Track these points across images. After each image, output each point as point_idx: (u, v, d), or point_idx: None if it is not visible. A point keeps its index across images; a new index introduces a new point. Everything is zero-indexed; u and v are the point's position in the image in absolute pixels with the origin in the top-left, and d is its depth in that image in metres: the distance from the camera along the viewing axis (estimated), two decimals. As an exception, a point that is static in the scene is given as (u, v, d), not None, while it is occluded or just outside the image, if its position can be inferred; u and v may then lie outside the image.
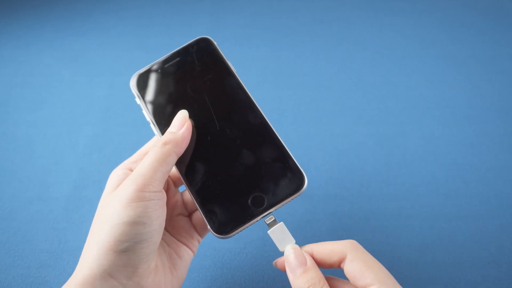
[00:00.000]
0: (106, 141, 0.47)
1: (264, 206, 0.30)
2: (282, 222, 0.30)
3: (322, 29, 0.59)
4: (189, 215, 0.35)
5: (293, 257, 0.28)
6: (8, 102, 0.51)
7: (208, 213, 0.30)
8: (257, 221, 0.30)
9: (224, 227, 0.29)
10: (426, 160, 0.46)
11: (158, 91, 0.33)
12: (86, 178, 0.45)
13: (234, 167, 0.31)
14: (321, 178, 0.45)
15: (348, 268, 0.27)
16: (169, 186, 0.34)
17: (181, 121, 0.31)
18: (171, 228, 0.33)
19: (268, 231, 0.30)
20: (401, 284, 0.39)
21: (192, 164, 0.31)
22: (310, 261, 0.28)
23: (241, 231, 0.29)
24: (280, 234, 0.29)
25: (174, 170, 0.32)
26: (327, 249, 0.28)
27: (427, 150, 0.47)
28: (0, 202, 0.43)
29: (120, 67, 0.54)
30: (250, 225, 0.30)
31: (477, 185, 0.45)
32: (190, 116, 0.32)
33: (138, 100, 0.33)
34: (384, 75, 0.54)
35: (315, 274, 0.27)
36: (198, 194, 0.30)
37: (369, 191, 0.44)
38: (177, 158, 0.30)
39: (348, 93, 0.52)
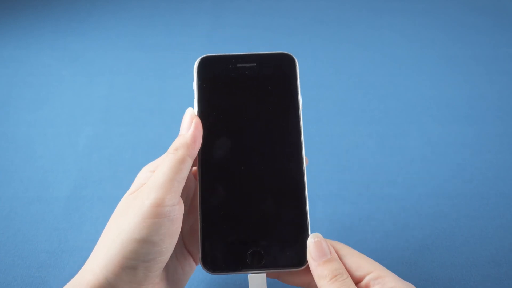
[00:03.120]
0: (106, 141, 0.47)
1: (260, 265, 0.28)
2: (265, 273, 0.28)
3: (322, 29, 0.59)
4: None
5: (317, 245, 0.27)
6: (8, 102, 0.51)
7: (205, 242, 0.28)
8: (245, 273, 0.28)
9: (214, 264, 0.28)
10: (426, 160, 0.46)
11: (219, 87, 0.31)
12: (86, 178, 0.45)
13: (251, 210, 0.29)
14: (321, 178, 0.45)
15: (343, 263, 0.27)
16: (196, 194, 0.33)
17: (189, 121, 0.29)
18: (188, 236, 0.32)
19: (249, 275, 0.28)
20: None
21: (214, 186, 0.29)
22: (334, 253, 0.28)
23: (225, 274, 0.28)
24: (258, 283, 0.28)
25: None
26: None
27: (427, 150, 0.47)
28: (0, 202, 0.43)
29: (120, 67, 0.54)
30: (237, 274, 0.29)
31: (477, 185, 0.45)
32: (234, 132, 0.30)
33: (195, 86, 0.30)
34: (384, 75, 0.54)
35: (339, 265, 0.27)
36: (205, 218, 0.29)
37: (369, 191, 0.44)
38: (192, 161, 0.28)
39: (348, 93, 0.52)
